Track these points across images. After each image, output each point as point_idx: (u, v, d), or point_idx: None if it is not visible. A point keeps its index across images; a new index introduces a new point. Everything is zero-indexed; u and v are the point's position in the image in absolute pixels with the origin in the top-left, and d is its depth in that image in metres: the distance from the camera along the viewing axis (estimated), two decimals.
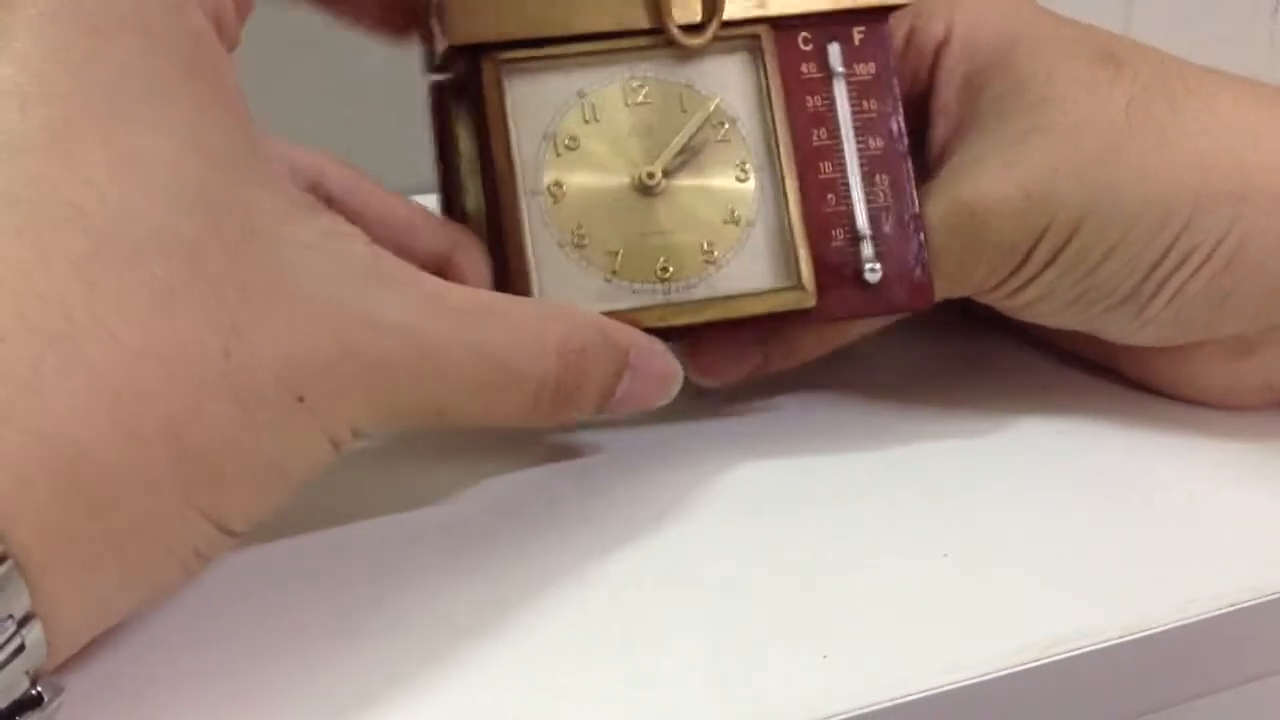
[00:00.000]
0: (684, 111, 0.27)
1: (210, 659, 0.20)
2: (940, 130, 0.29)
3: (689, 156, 0.27)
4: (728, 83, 0.27)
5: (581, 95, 0.27)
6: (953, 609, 0.22)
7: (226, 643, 0.21)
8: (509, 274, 0.26)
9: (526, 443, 0.28)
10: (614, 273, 0.26)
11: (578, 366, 0.23)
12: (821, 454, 0.28)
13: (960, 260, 0.27)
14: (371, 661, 0.20)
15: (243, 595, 0.22)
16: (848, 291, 0.27)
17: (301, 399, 0.19)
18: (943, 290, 0.28)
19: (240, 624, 0.21)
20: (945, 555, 0.24)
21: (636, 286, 0.27)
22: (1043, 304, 0.28)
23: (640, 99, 0.27)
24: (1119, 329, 0.28)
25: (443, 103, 0.29)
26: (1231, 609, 0.22)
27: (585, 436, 0.29)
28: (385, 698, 0.20)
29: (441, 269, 0.26)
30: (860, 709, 0.20)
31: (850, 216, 0.27)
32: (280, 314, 0.19)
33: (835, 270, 0.27)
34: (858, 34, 0.28)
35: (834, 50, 0.28)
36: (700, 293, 0.27)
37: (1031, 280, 0.27)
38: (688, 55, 0.27)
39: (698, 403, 0.29)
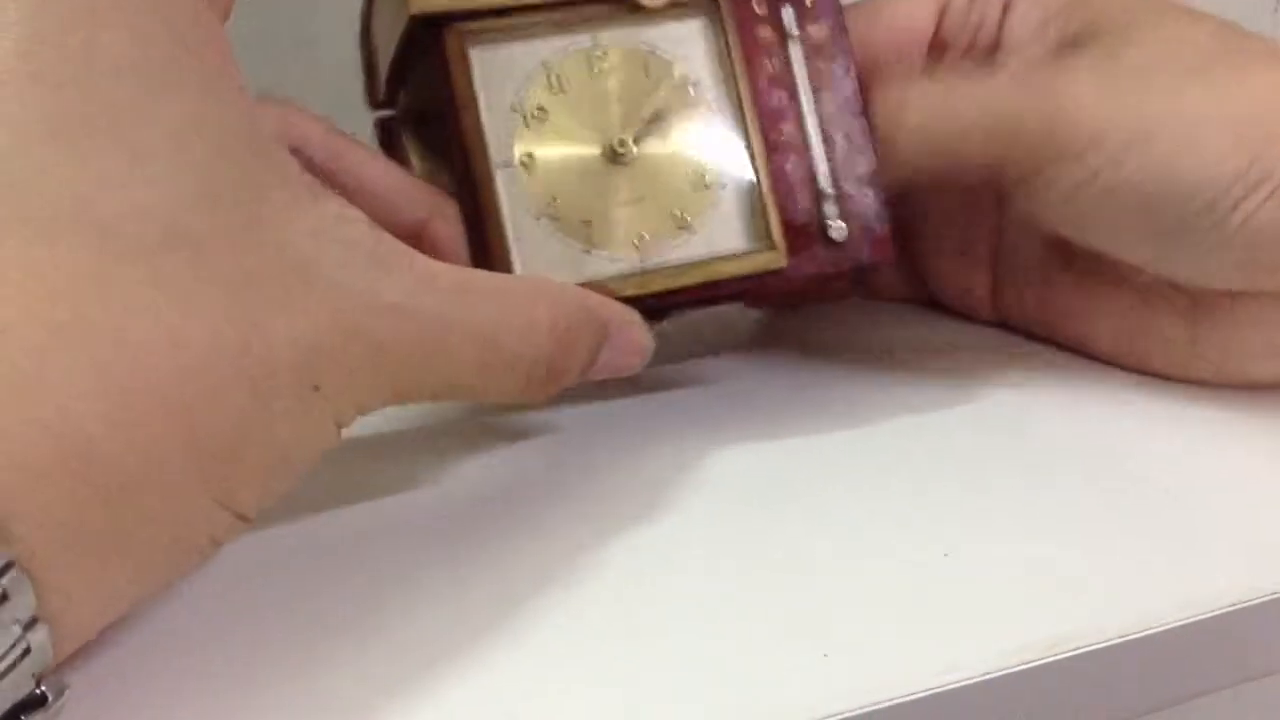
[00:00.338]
0: (648, 78, 0.27)
1: (200, 653, 0.20)
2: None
3: (657, 123, 0.27)
4: (690, 47, 0.28)
5: (546, 65, 0.27)
6: (953, 608, 0.22)
7: (215, 638, 0.21)
8: (489, 250, 0.26)
9: (512, 433, 0.28)
10: (590, 243, 0.27)
11: (568, 345, 0.24)
12: (821, 452, 0.28)
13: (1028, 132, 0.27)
14: (359, 655, 0.21)
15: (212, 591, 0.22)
16: (815, 249, 0.28)
17: (317, 387, 0.20)
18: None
19: (214, 618, 0.21)
20: (946, 555, 0.24)
21: (613, 256, 0.27)
22: (1109, 204, 0.27)
23: (605, 66, 0.27)
24: (1191, 257, 0.27)
25: (392, 139, 0.29)
26: (1232, 608, 0.22)
27: (580, 434, 0.29)
28: (376, 692, 0.20)
29: (419, 236, 0.26)
30: (860, 708, 0.20)
31: (813, 176, 0.28)
32: (295, 305, 0.19)
33: (802, 229, 0.28)
34: None
35: (787, 13, 0.28)
36: (675, 258, 0.27)
37: (1097, 174, 0.27)
38: (649, 20, 0.27)
39: (694, 399, 0.29)
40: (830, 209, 0.27)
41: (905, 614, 0.22)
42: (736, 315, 0.39)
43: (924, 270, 0.36)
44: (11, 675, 0.16)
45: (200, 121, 0.19)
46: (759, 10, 0.28)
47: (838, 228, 0.27)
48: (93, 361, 0.17)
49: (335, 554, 0.24)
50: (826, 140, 0.28)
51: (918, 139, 0.28)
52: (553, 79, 0.27)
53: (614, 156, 0.27)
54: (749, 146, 0.27)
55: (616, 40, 0.27)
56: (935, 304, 0.37)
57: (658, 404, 0.31)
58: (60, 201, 0.18)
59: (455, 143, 0.26)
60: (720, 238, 0.27)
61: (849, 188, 0.28)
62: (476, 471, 0.27)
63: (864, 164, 0.28)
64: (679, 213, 0.27)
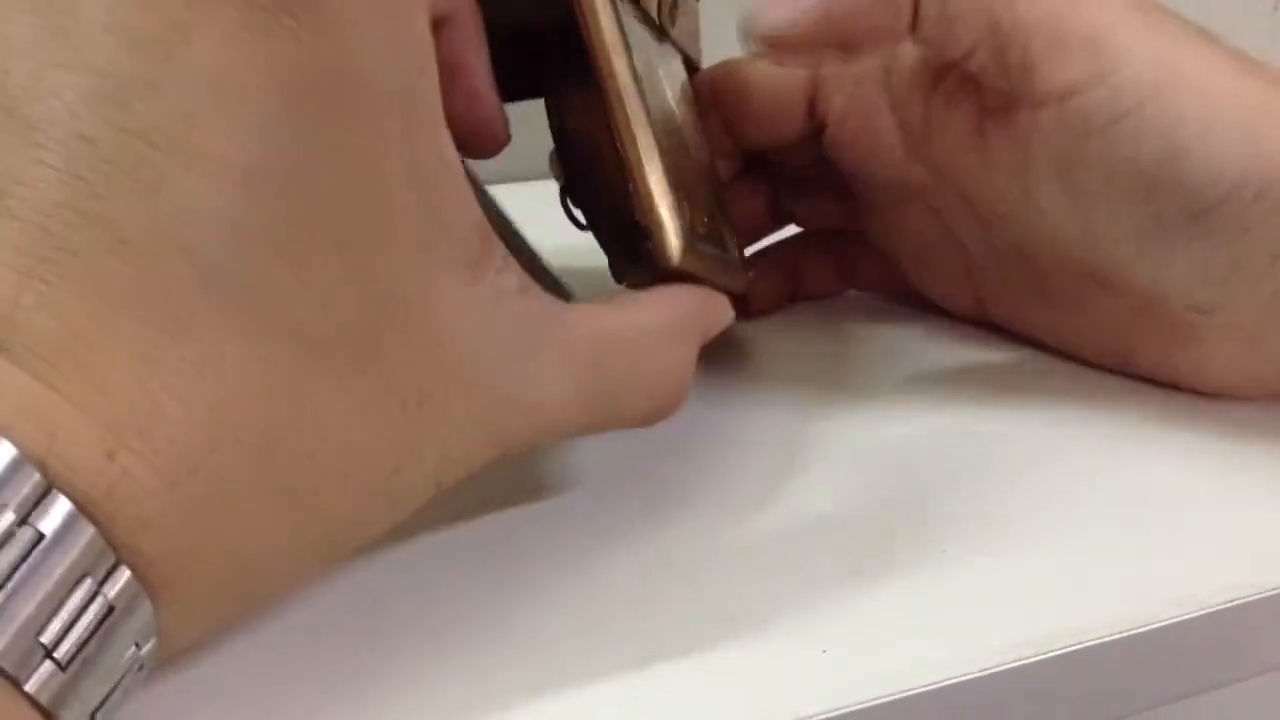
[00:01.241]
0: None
1: (210, 659, 0.20)
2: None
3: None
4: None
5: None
6: (951, 604, 0.22)
7: (226, 644, 0.21)
8: (652, 218, 0.25)
9: None
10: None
11: (684, 387, 0.24)
12: (819, 449, 0.28)
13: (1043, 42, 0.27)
14: (358, 653, 0.21)
15: None
16: None
17: (439, 484, 0.21)
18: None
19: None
20: (943, 550, 0.24)
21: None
22: (1113, 155, 0.27)
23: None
24: (1174, 250, 0.27)
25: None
26: (1231, 604, 0.22)
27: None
28: (376, 691, 0.20)
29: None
30: (859, 704, 0.20)
31: None
32: (449, 423, 0.20)
33: None
34: None
35: None
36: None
37: (1118, 119, 0.26)
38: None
39: (693, 398, 0.29)
40: None
41: (903, 610, 0.22)
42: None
43: (907, 281, 0.36)
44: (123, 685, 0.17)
45: (397, 227, 0.18)
46: None
47: None
48: (273, 484, 0.18)
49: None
50: None
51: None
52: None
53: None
54: None
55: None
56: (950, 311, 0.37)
57: None
58: (271, 308, 0.17)
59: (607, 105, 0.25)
60: None
61: None
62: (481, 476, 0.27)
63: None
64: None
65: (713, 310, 0.26)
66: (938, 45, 0.28)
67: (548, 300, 0.22)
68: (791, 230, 0.37)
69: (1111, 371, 0.31)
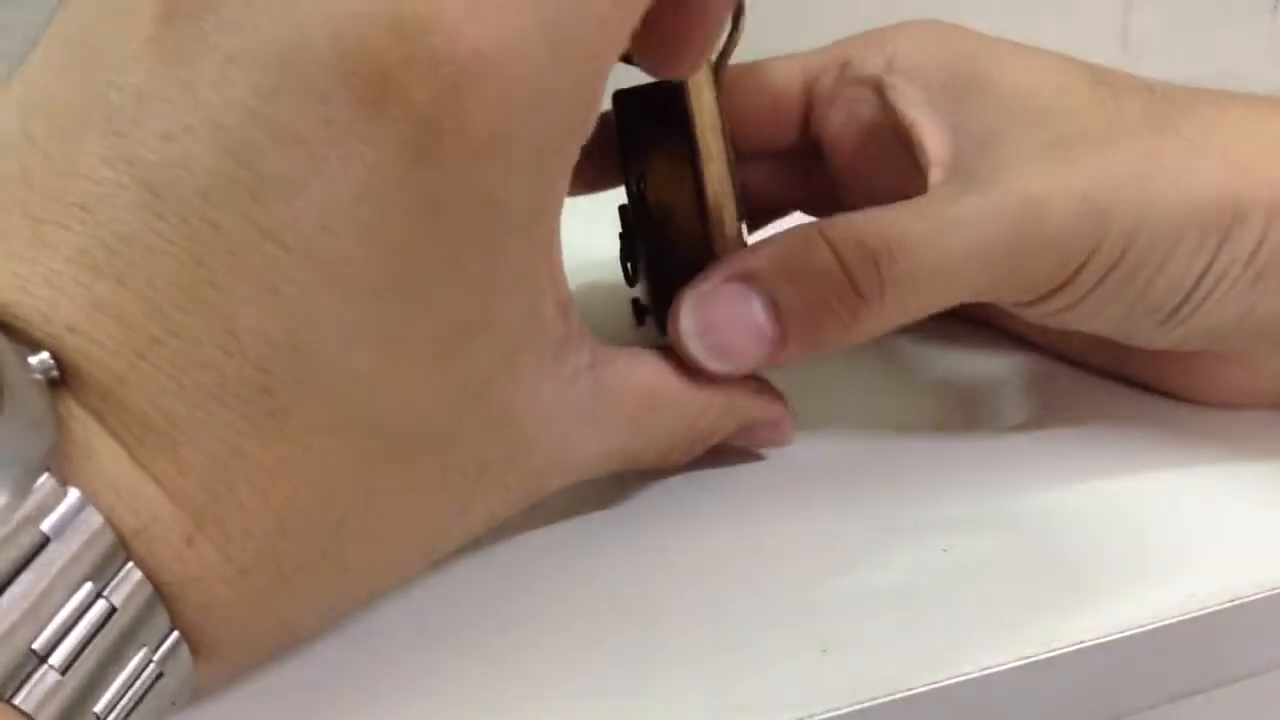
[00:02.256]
0: None
1: None
2: (932, 142, 0.27)
3: None
4: None
5: None
6: (952, 604, 0.22)
7: None
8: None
9: None
10: None
11: (701, 440, 0.25)
12: (819, 449, 0.28)
13: (1017, 258, 0.25)
14: (356, 652, 0.21)
15: None
16: None
17: (475, 535, 0.21)
18: (988, 292, 0.25)
19: None
20: (945, 550, 0.24)
21: None
22: (1084, 321, 0.27)
23: None
24: (1146, 336, 0.27)
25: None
26: (1232, 604, 0.22)
27: None
28: (375, 689, 0.20)
29: None
30: (859, 704, 0.20)
31: None
32: (500, 485, 0.21)
33: None
34: None
35: None
36: None
37: (1081, 300, 0.26)
38: None
39: None
40: None
41: (904, 610, 0.22)
42: None
43: None
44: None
45: (495, 332, 0.19)
46: None
47: None
48: (333, 565, 0.18)
49: None
50: None
51: (928, 277, 0.25)
52: None
53: None
54: None
55: None
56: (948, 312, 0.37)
57: None
58: (361, 406, 0.17)
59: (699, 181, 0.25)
60: None
61: None
62: None
63: None
64: None
65: (761, 405, 0.26)
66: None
67: (607, 366, 0.22)
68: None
69: (1110, 374, 0.31)
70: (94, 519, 0.15)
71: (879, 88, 0.29)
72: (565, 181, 0.19)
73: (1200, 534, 0.24)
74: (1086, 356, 0.32)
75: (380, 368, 0.17)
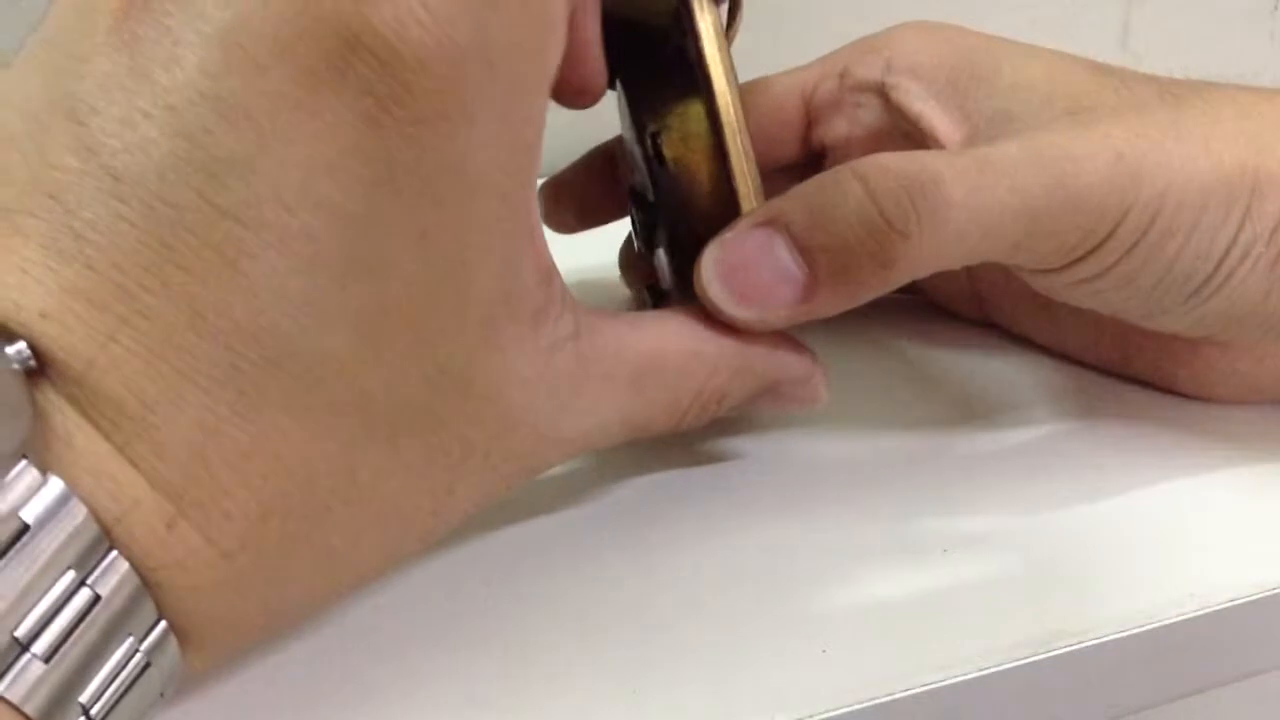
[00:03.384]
0: None
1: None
2: (943, 126, 0.27)
3: None
4: None
5: None
6: (952, 604, 0.22)
7: None
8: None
9: None
10: None
11: (715, 402, 0.24)
12: (819, 449, 0.28)
13: (1055, 210, 0.24)
14: (354, 651, 0.21)
15: None
16: None
17: (469, 515, 0.21)
18: (1021, 248, 0.24)
19: None
20: (944, 551, 0.24)
21: None
22: (1111, 293, 0.26)
23: None
24: (1167, 314, 0.26)
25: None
26: (1231, 604, 0.22)
27: None
28: (375, 688, 0.20)
29: None
30: (859, 704, 0.20)
31: None
32: (488, 465, 0.20)
33: None
34: None
35: None
36: None
37: (1110, 269, 0.25)
38: None
39: None
40: None
41: (904, 609, 0.22)
42: None
43: (910, 284, 0.36)
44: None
45: (470, 305, 0.18)
46: None
47: None
48: (318, 548, 0.18)
49: None
50: None
51: (964, 217, 0.24)
52: None
53: None
54: None
55: None
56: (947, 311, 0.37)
57: None
58: (337, 387, 0.17)
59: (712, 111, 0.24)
60: None
61: None
62: None
63: None
64: None
65: (782, 361, 0.25)
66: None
67: (595, 334, 0.21)
68: None
69: (1112, 373, 0.31)
70: (75, 507, 0.15)
71: (881, 90, 0.29)
72: (533, 140, 0.19)
73: (1201, 533, 0.24)
74: (1088, 355, 0.32)
75: (352, 347, 0.17)
